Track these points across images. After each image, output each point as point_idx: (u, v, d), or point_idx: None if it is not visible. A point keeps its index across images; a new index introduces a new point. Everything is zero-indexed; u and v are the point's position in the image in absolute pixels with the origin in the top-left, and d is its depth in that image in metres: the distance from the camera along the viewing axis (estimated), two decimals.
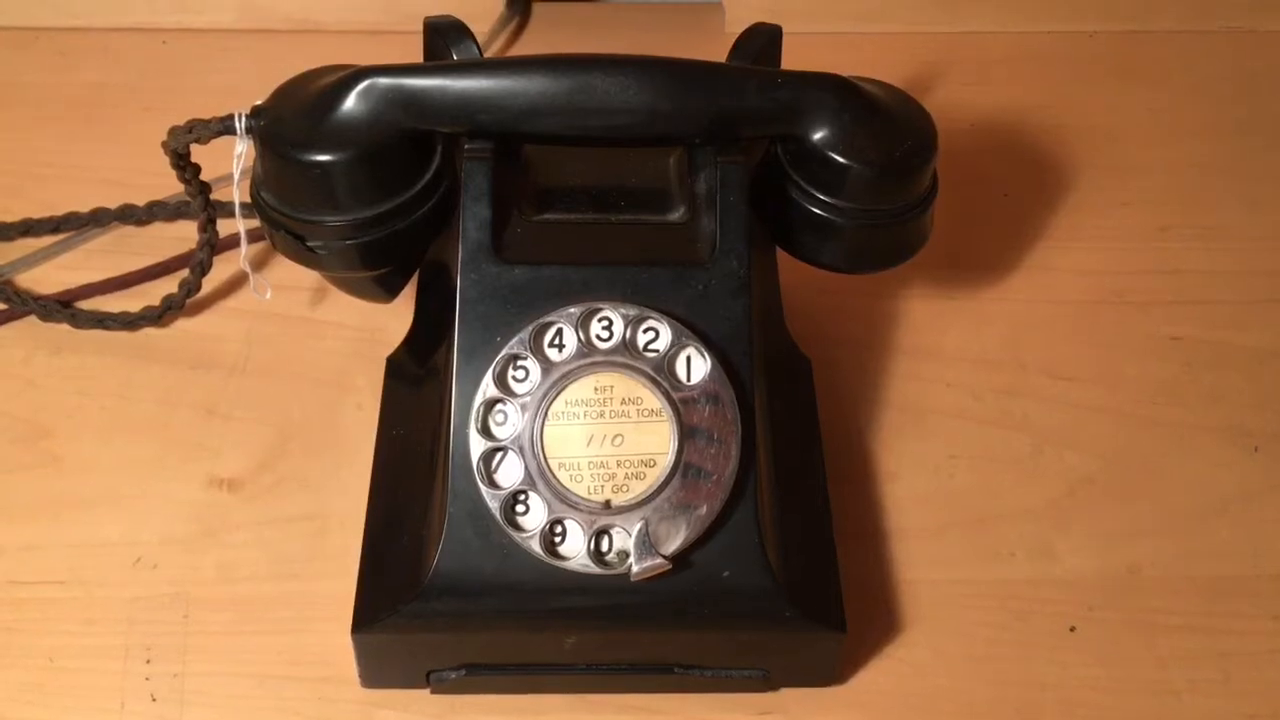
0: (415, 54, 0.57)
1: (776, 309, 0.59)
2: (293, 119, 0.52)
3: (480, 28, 0.56)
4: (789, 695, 0.54)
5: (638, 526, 0.48)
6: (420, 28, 0.57)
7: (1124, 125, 0.77)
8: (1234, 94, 0.79)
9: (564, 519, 0.49)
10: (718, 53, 0.55)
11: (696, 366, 0.50)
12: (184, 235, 0.68)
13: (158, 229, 0.69)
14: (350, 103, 0.51)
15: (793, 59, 0.57)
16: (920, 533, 0.59)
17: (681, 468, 0.49)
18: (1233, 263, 0.70)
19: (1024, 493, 0.61)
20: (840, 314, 0.67)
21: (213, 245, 0.62)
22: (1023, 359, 0.66)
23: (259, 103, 0.53)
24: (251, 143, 0.52)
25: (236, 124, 0.52)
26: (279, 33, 0.79)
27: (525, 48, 0.81)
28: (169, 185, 0.67)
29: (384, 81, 0.51)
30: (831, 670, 0.54)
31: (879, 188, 0.53)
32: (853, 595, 0.53)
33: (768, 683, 0.53)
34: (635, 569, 0.48)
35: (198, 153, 0.56)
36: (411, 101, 0.51)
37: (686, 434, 0.49)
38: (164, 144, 0.55)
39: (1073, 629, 0.57)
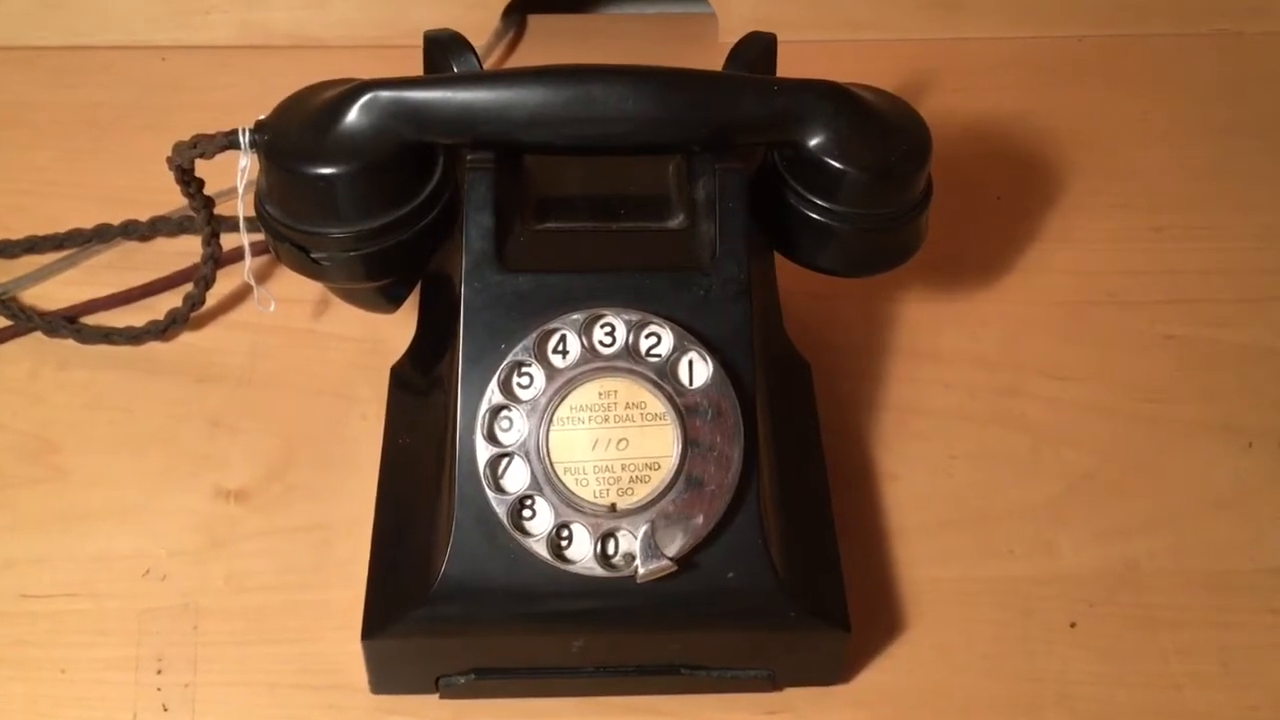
0: (413, 68, 0.57)
1: (775, 314, 0.59)
2: (296, 133, 0.52)
3: (476, 41, 0.57)
4: (795, 694, 0.55)
5: (643, 529, 0.49)
6: (418, 42, 0.57)
7: (1114, 128, 0.78)
8: (1223, 96, 0.80)
9: (570, 523, 0.49)
10: (711, 62, 0.56)
11: (699, 370, 0.50)
12: (186, 250, 0.68)
13: (161, 244, 0.70)
14: (353, 116, 0.51)
15: (785, 67, 0.58)
16: (921, 532, 0.60)
17: (686, 470, 0.49)
18: (1224, 262, 0.71)
19: (1023, 491, 0.61)
20: (837, 319, 0.67)
21: (216, 259, 0.63)
22: (1019, 359, 0.66)
23: (262, 117, 0.53)
24: (255, 157, 0.53)
25: (240, 139, 0.53)
26: (278, 49, 0.80)
27: (521, 60, 0.82)
28: (171, 201, 0.68)
29: (386, 94, 0.52)
30: (836, 669, 0.54)
31: (876, 192, 0.54)
32: (856, 595, 0.54)
33: (773, 683, 0.54)
34: (641, 571, 0.49)
35: (200, 168, 0.57)
36: (414, 114, 0.52)
37: (690, 437, 0.49)
38: (169, 159, 0.55)
39: (1073, 624, 0.57)
